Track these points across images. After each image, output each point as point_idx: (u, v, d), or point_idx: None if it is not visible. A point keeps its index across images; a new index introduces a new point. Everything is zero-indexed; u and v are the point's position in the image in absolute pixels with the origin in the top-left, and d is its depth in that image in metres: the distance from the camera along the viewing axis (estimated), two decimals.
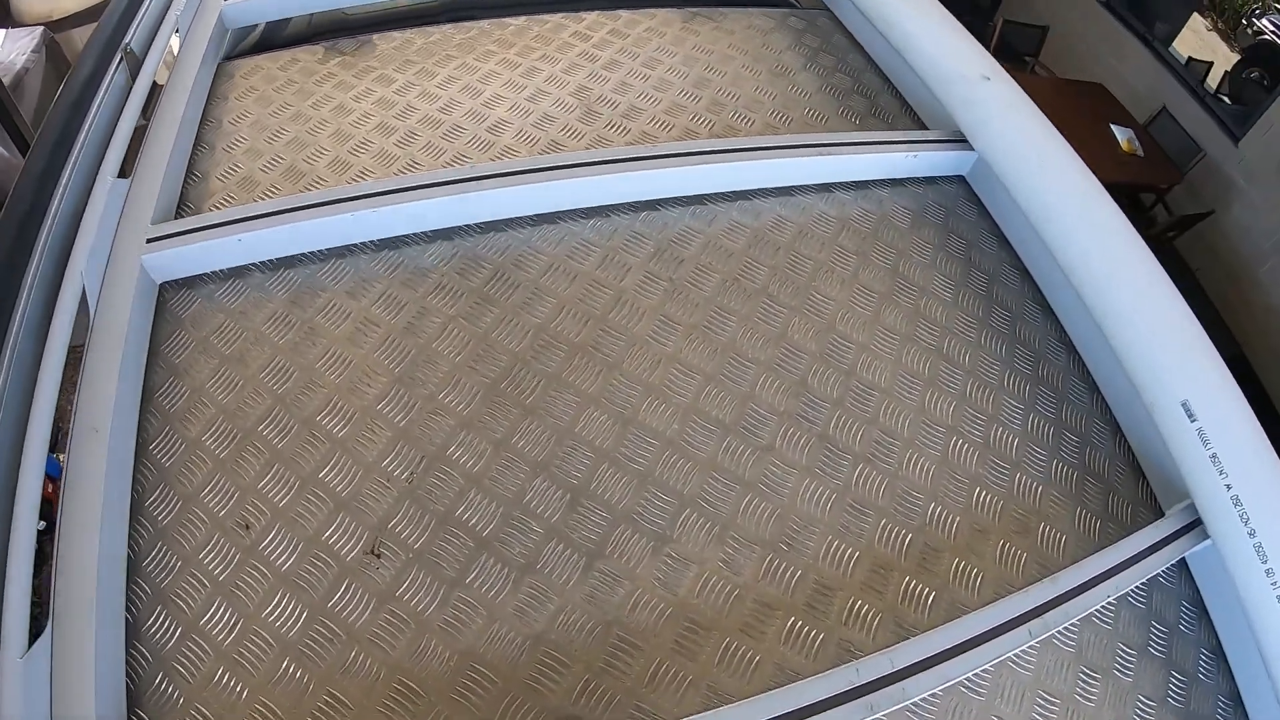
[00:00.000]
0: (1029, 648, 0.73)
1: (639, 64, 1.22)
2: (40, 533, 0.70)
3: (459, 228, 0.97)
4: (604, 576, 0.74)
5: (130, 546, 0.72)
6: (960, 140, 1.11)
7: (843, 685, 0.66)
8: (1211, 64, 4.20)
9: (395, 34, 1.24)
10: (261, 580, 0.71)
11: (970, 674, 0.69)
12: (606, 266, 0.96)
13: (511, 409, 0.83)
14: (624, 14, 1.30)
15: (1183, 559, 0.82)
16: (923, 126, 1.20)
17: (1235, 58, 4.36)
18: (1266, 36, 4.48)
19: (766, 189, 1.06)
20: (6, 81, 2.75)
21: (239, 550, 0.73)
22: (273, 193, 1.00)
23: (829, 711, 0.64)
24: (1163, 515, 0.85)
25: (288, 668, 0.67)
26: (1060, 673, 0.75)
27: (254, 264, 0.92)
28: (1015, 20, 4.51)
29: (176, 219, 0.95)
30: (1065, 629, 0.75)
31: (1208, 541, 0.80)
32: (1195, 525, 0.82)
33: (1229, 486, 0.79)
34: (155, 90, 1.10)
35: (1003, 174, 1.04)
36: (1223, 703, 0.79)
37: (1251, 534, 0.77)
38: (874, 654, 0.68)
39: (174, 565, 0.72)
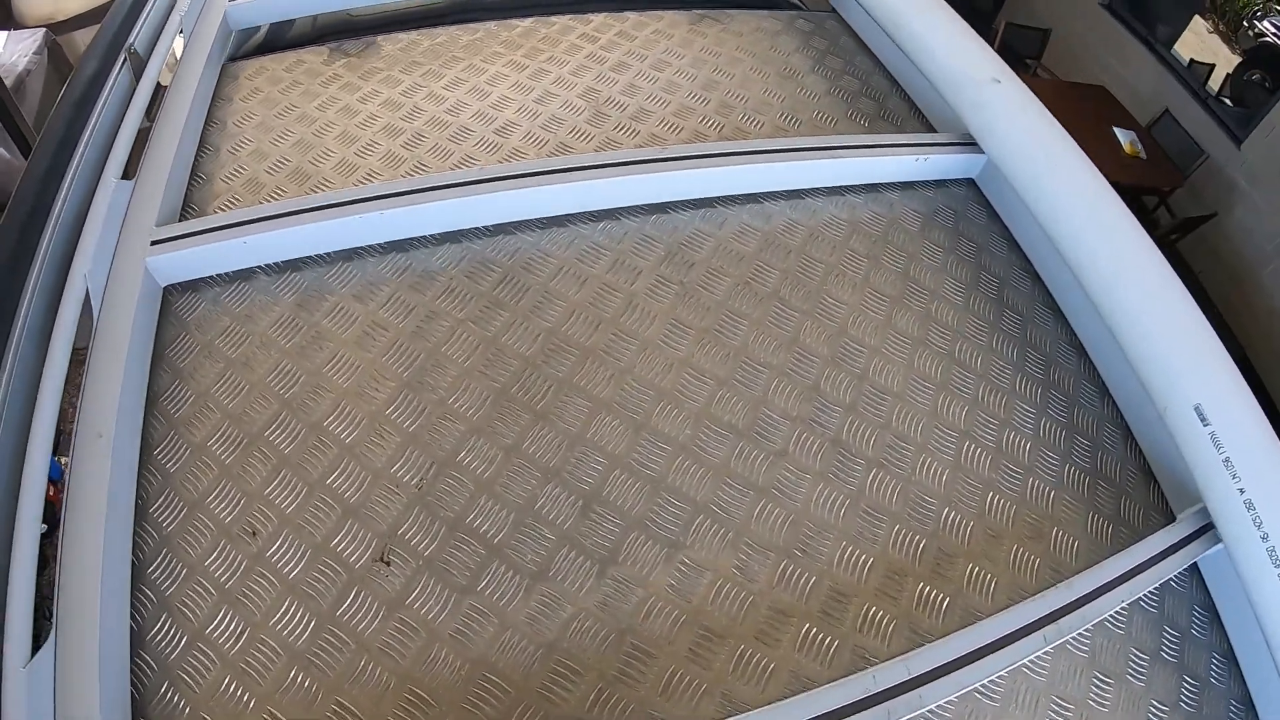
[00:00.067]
0: (1043, 653, 0.72)
1: (647, 66, 1.22)
2: (41, 535, 0.69)
3: (467, 230, 0.97)
4: (617, 583, 0.73)
5: (135, 553, 0.71)
6: (969, 143, 1.11)
7: (859, 693, 0.65)
8: (1213, 66, 4.22)
9: (401, 35, 1.24)
10: (269, 588, 0.70)
11: (986, 680, 0.68)
12: (617, 270, 0.96)
13: (522, 414, 0.82)
14: (631, 16, 1.30)
15: (1194, 563, 0.81)
16: (931, 129, 1.20)
17: (1237, 60, 4.38)
18: (1268, 39, 4.49)
19: (776, 192, 1.06)
20: (8, 83, 2.74)
21: (245, 557, 0.72)
22: (278, 195, 1.00)
23: (846, 719, 0.63)
24: (1174, 519, 0.85)
25: (296, 677, 0.67)
26: (1074, 678, 0.75)
27: (260, 267, 0.92)
28: (1017, 23, 4.53)
29: (181, 221, 0.94)
30: (1079, 634, 0.75)
31: (1220, 546, 0.80)
32: (1207, 529, 0.81)
33: (1242, 490, 0.79)
34: (159, 91, 1.09)
35: (1013, 177, 1.04)
36: (1235, 707, 0.79)
37: (1265, 538, 0.76)
38: (890, 661, 0.68)
39: (179, 572, 0.71)
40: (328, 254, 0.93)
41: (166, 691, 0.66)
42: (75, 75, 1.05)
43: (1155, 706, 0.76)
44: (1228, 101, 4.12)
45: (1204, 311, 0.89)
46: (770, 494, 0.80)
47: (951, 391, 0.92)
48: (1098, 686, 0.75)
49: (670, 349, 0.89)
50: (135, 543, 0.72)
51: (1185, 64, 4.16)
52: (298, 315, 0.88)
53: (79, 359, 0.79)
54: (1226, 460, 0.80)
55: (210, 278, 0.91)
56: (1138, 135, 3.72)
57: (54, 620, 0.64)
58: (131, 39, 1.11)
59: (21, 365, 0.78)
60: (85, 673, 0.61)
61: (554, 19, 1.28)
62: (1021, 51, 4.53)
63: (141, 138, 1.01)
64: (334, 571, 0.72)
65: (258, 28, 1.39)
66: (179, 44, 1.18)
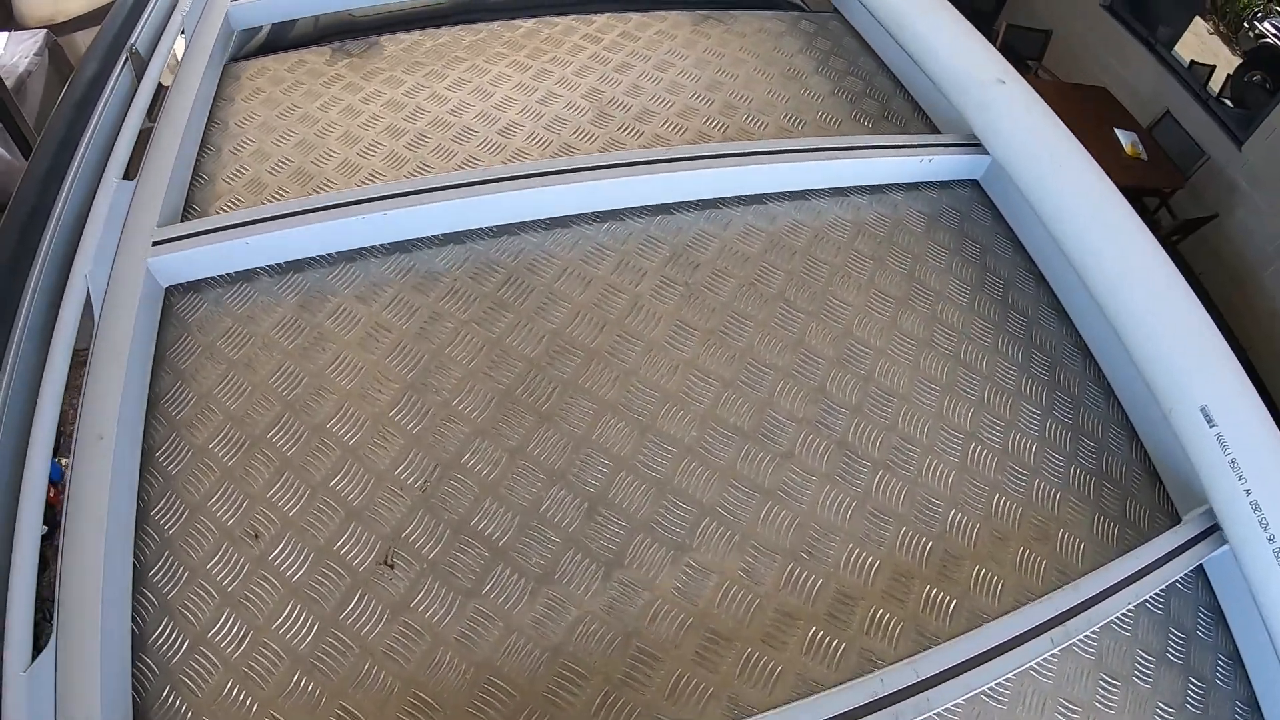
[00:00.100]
0: (1050, 655, 0.72)
1: (650, 67, 1.21)
2: (41, 537, 0.68)
3: (471, 231, 0.96)
4: (623, 586, 0.73)
5: (136, 556, 0.71)
6: (974, 144, 1.11)
7: (867, 696, 0.65)
8: (1214, 67, 4.22)
9: (403, 36, 1.23)
10: (271, 591, 0.70)
11: (993, 683, 0.68)
12: (621, 271, 0.95)
13: (527, 416, 0.82)
14: (634, 17, 1.29)
15: (1200, 564, 0.81)
16: (935, 130, 1.19)
17: (1237, 61, 4.38)
18: (1268, 40, 4.49)
19: (781, 193, 1.05)
20: (9, 84, 2.74)
21: (248, 560, 0.71)
22: (281, 195, 0.99)
23: None
24: (1179, 521, 0.85)
25: (299, 681, 0.66)
26: (1080, 680, 0.75)
27: (262, 267, 0.91)
28: (1018, 24, 4.53)
29: (183, 222, 0.93)
30: (1085, 636, 0.74)
31: (1225, 547, 0.80)
32: (1213, 531, 0.81)
33: (1248, 492, 0.79)
34: (161, 92, 1.09)
35: (1018, 178, 1.04)
36: (1240, 708, 0.79)
37: (1271, 539, 0.76)
38: (898, 664, 0.68)
39: (181, 576, 0.70)
40: (330, 255, 0.93)
41: (168, 696, 0.65)
42: (77, 75, 1.05)
43: (1161, 708, 0.75)
44: (1228, 103, 4.13)
45: None
46: (776, 496, 0.80)
47: (957, 393, 0.91)
48: (1104, 688, 0.75)
49: (676, 350, 0.89)
50: (137, 545, 0.71)
51: (1186, 65, 4.16)
52: (300, 316, 0.88)
53: (80, 360, 0.78)
54: (1233, 461, 0.80)
55: (212, 279, 0.90)
56: (1139, 136, 3.73)
57: (54, 624, 0.63)
58: (133, 39, 1.11)
59: (22, 366, 0.78)
60: (86, 677, 0.61)
61: (557, 20, 1.28)
62: (1023, 53, 4.53)
63: (143, 138, 1.00)
64: (337, 575, 0.71)
65: (259, 28, 1.39)
66: (180, 44, 1.17)
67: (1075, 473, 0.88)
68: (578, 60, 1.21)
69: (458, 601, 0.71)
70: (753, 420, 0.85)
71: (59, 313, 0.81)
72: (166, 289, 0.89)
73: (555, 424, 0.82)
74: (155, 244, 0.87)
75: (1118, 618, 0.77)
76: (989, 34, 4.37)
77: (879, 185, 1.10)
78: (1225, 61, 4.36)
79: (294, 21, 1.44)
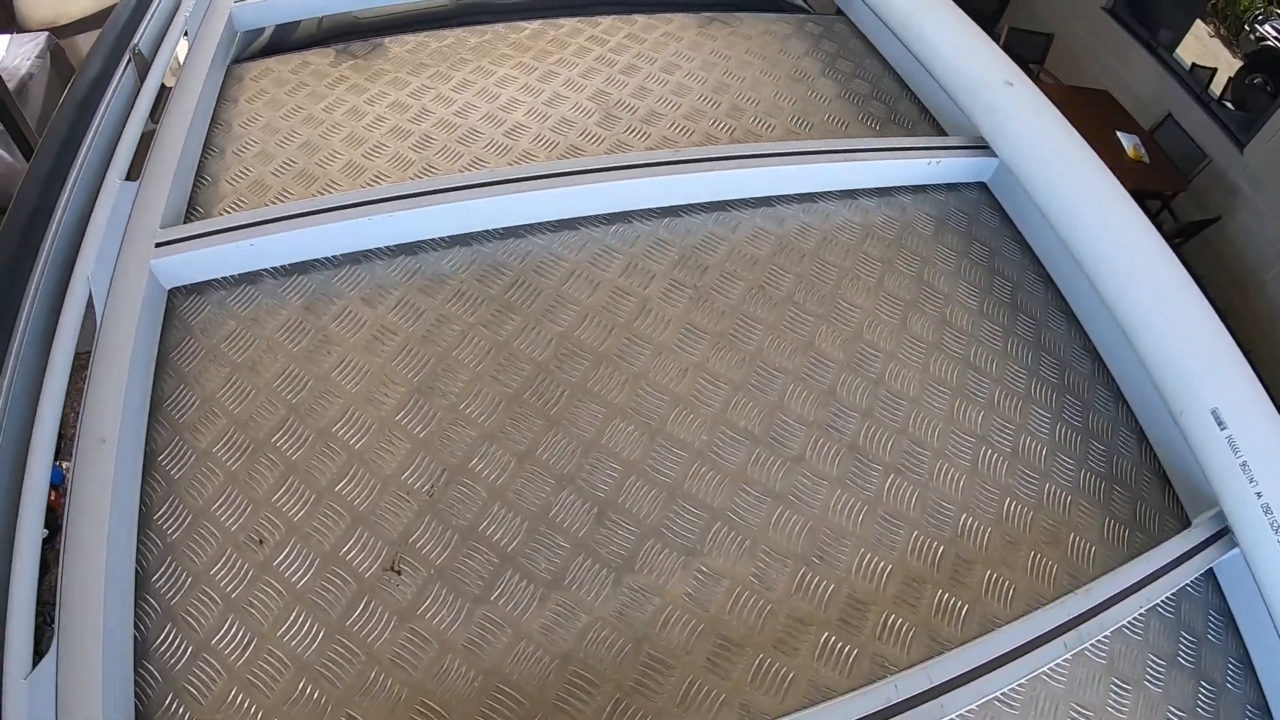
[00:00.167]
0: (1062, 660, 0.71)
1: (657, 68, 1.21)
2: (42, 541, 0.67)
3: (478, 233, 0.96)
4: (633, 592, 0.72)
5: (139, 562, 0.70)
6: (982, 146, 1.10)
7: (881, 703, 0.64)
8: (1215, 70, 4.23)
9: (408, 37, 1.23)
10: (276, 597, 0.69)
11: (1006, 688, 0.67)
12: (630, 273, 0.95)
13: (535, 420, 0.81)
14: (640, 18, 1.29)
15: (1210, 568, 0.81)
16: (942, 133, 1.19)
17: (1238, 64, 4.40)
18: (1269, 42, 4.51)
19: (789, 195, 1.05)
20: (11, 87, 2.73)
21: (252, 566, 0.70)
22: (285, 197, 0.98)
23: None
24: (1190, 524, 0.84)
25: (304, 688, 0.65)
26: (1092, 685, 0.74)
27: (266, 269, 0.90)
28: (1020, 27, 4.54)
29: (186, 223, 0.93)
30: (1097, 640, 0.74)
31: (1236, 550, 0.79)
32: (1223, 534, 0.81)
33: (1259, 495, 0.78)
34: (164, 93, 1.08)
35: (1025, 180, 1.04)
36: (1251, 712, 0.79)
37: None
38: (910, 670, 0.67)
39: (184, 582, 0.70)
40: (335, 257, 0.92)
41: (171, 703, 0.64)
42: (79, 76, 1.04)
43: (1173, 712, 0.75)
44: (1230, 105, 4.14)
45: None
46: (787, 500, 0.79)
47: (967, 396, 0.91)
48: (1116, 693, 0.74)
49: (685, 354, 0.88)
50: (139, 551, 0.70)
51: (1187, 68, 4.17)
52: (305, 319, 0.87)
53: (82, 363, 0.77)
54: (1244, 464, 0.79)
55: (215, 280, 0.89)
56: (1141, 139, 3.74)
57: (55, 630, 0.62)
58: (136, 40, 1.10)
59: (23, 369, 0.77)
60: (88, 684, 0.60)
61: (562, 21, 1.27)
62: (1025, 56, 4.54)
63: (146, 139, 0.99)
64: (343, 581, 0.70)
65: (263, 29, 1.39)
66: (184, 46, 1.17)
67: (1085, 476, 0.88)
68: (584, 62, 1.20)
69: (466, 608, 0.70)
70: (763, 424, 0.84)
71: (61, 315, 0.80)
72: (169, 291, 0.88)
73: (564, 428, 0.81)
74: (158, 246, 0.86)
75: (1129, 622, 0.76)
76: (991, 37, 4.39)
77: (886, 188, 1.09)
78: (1226, 64, 4.38)
79: (297, 23, 1.43)
